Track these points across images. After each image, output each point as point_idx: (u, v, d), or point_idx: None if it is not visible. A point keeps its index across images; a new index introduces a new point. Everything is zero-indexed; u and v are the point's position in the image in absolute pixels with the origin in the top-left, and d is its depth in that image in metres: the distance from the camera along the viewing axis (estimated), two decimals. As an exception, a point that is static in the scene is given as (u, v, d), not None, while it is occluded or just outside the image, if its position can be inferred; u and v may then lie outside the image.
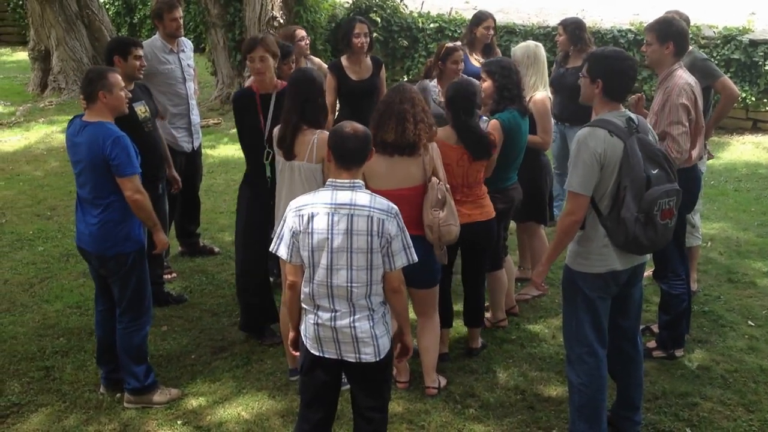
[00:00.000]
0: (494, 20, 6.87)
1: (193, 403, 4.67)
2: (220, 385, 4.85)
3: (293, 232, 3.46)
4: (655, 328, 5.41)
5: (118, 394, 4.72)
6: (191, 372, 4.98)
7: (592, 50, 6.76)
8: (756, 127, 10.77)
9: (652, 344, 5.19)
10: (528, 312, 5.83)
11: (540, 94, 5.58)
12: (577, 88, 6.93)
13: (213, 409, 4.61)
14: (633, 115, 3.92)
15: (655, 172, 3.77)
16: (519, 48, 5.77)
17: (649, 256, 4.13)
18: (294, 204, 3.53)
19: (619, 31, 10.90)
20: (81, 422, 4.49)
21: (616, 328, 4.18)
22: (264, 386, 4.82)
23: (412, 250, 3.54)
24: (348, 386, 3.80)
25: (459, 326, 5.39)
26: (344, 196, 3.44)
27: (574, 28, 6.90)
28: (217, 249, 6.90)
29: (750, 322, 5.64)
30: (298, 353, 3.73)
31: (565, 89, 6.90)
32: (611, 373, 4.26)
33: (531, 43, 5.85)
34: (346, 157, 3.50)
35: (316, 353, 3.56)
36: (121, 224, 4.45)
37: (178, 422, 4.49)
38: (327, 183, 3.54)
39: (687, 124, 4.74)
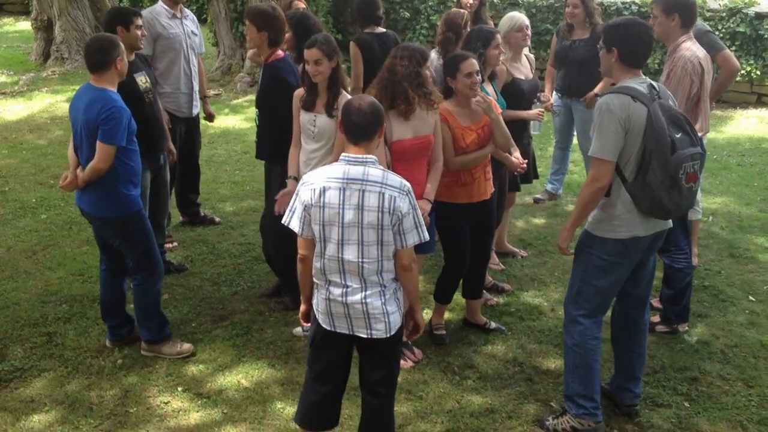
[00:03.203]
0: None
1: (194, 370, 4.71)
2: (220, 353, 4.89)
3: (305, 206, 3.44)
4: (655, 302, 5.41)
5: (120, 360, 4.78)
6: (192, 340, 5.00)
7: (598, 22, 6.78)
8: (760, 102, 10.72)
9: (656, 319, 5.19)
10: (527, 285, 5.84)
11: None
12: (583, 61, 6.93)
13: (213, 376, 4.65)
14: (654, 83, 3.94)
15: (678, 135, 3.78)
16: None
17: (670, 223, 4.11)
18: (307, 177, 3.51)
19: (623, 3, 10.81)
20: (83, 387, 4.54)
21: (626, 296, 4.21)
22: (264, 355, 4.86)
23: (424, 228, 3.51)
24: None
25: (458, 299, 5.42)
26: (356, 171, 3.41)
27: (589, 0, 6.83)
28: (218, 219, 6.92)
29: (751, 297, 5.65)
30: (308, 324, 3.74)
31: (571, 62, 6.85)
32: (614, 341, 4.32)
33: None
34: (351, 131, 3.48)
35: (328, 328, 3.56)
36: (115, 188, 4.52)
37: (179, 389, 4.52)
38: (340, 157, 3.50)
39: (683, 100, 4.74)
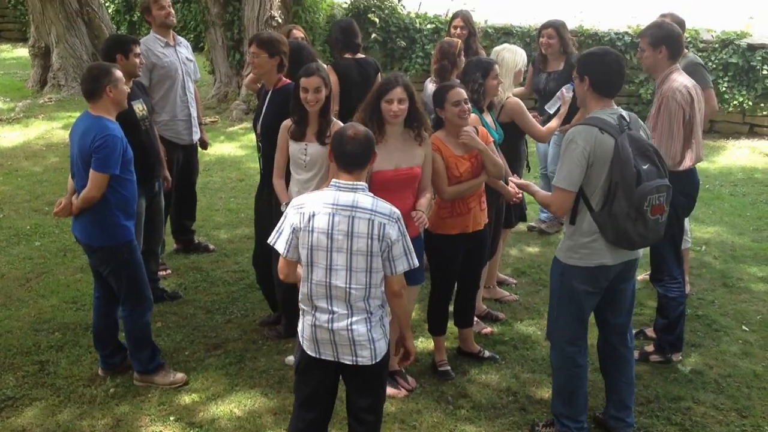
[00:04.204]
0: (465, 19, 6.81)
1: (186, 399, 4.69)
2: (213, 382, 4.87)
3: (293, 229, 3.48)
4: (650, 332, 5.42)
5: (112, 389, 4.75)
6: (185, 369, 4.98)
7: (573, 52, 6.89)
8: (752, 132, 10.80)
9: (650, 348, 5.21)
10: (521, 314, 5.84)
11: (511, 97, 5.58)
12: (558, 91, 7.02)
13: (206, 405, 4.63)
14: (625, 113, 4.01)
15: (645, 167, 3.85)
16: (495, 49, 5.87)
17: (642, 253, 4.20)
18: (297, 201, 3.56)
19: (616, 33, 10.94)
20: (75, 417, 4.50)
21: (607, 325, 4.29)
22: (257, 384, 4.84)
23: (413, 254, 3.54)
24: None
25: (452, 328, 5.42)
26: (346, 198, 3.45)
27: (565, 30, 6.92)
28: (212, 246, 6.92)
29: (744, 327, 5.65)
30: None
31: (547, 95, 6.94)
32: (602, 370, 4.39)
33: (505, 45, 5.87)
34: (345, 160, 3.51)
35: (313, 354, 3.56)
36: (108, 218, 4.53)
37: (171, 418, 4.50)
38: (331, 183, 3.55)
39: (679, 129, 4.78)
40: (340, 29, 6.41)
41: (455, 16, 6.94)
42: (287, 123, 4.79)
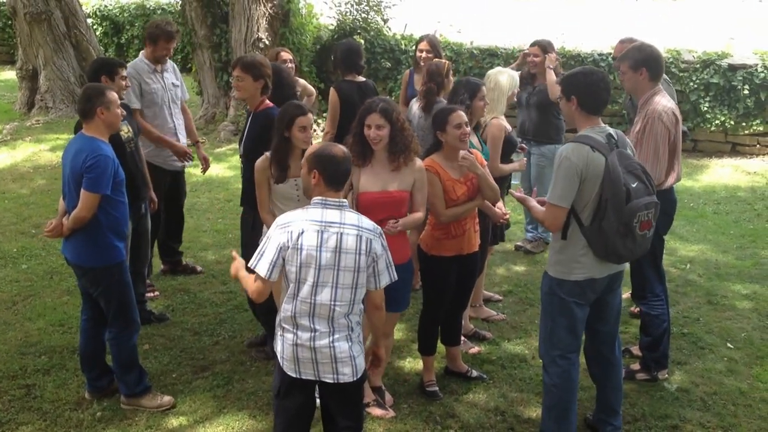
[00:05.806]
0: (431, 43, 6.85)
1: (174, 422, 4.67)
2: (200, 404, 4.85)
3: (280, 248, 3.48)
4: (635, 350, 5.45)
5: (99, 413, 4.73)
6: (172, 391, 4.97)
7: (560, 70, 7.01)
8: (735, 151, 10.93)
9: (635, 366, 5.25)
10: (509, 333, 5.87)
11: (497, 119, 5.65)
12: (544, 104, 7.21)
13: (193, 428, 4.61)
14: (612, 131, 4.10)
15: (634, 185, 3.93)
16: (491, 71, 5.95)
17: (627, 266, 4.29)
18: (280, 220, 3.58)
19: (599, 54, 11.06)
20: (61, 441, 4.49)
21: (595, 333, 4.39)
22: (245, 406, 4.83)
23: (393, 268, 3.64)
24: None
25: (440, 347, 5.43)
26: (333, 215, 3.51)
27: (549, 48, 7.10)
28: (199, 268, 6.92)
29: (729, 345, 5.69)
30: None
31: (531, 107, 7.13)
32: (592, 376, 4.50)
33: (498, 69, 5.97)
34: (340, 178, 3.58)
35: (293, 375, 3.58)
36: (100, 239, 4.54)
37: (159, 441, 4.49)
38: (315, 201, 3.58)
39: (665, 151, 4.84)
40: (345, 50, 6.48)
41: (421, 39, 7.01)
42: (264, 164, 4.69)
